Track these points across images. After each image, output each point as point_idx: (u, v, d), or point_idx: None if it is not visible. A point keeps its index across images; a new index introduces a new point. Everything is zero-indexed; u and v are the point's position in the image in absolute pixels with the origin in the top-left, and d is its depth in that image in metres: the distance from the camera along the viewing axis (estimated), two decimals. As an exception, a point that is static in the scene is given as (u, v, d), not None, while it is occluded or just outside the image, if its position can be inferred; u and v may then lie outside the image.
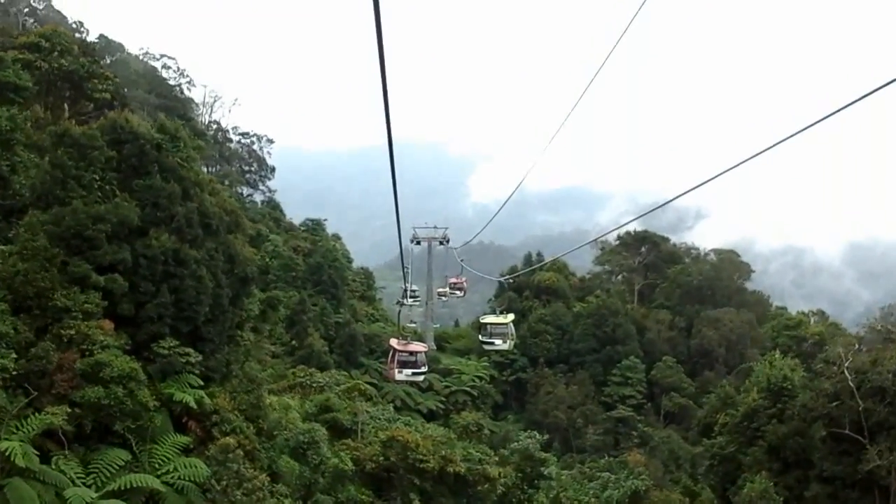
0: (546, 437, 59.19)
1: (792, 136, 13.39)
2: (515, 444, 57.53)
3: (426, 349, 50.15)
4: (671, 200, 19.93)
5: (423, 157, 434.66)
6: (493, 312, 63.47)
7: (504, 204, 45.85)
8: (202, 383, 39.13)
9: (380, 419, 59.77)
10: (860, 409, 42.04)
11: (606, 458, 66.15)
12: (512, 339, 51.12)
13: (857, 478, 42.52)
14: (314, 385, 61.92)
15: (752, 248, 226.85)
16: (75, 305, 35.88)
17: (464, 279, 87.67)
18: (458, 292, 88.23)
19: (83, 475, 33.41)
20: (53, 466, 32.56)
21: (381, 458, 49.82)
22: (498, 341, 49.16)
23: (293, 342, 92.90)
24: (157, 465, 35.93)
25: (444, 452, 51.34)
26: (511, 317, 53.25)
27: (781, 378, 49.23)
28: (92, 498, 31.93)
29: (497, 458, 55.30)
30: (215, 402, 39.01)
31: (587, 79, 21.40)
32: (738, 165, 15.11)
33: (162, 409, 37.30)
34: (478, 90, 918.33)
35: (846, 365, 43.48)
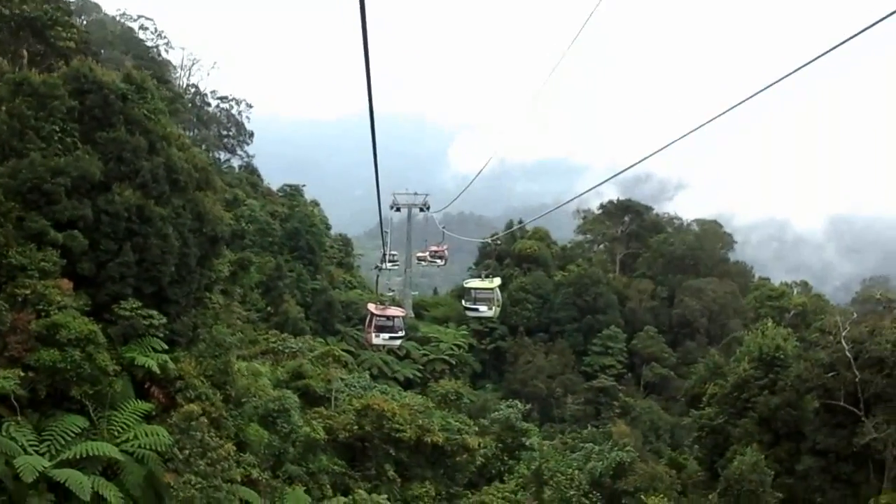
0: (526, 406, 56.97)
1: (759, 91, 13.22)
2: (496, 413, 55.65)
3: (404, 314, 50.46)
4: (642, 160, 19.13)
5: (403, 127, 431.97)
6: (478, 277, 60.34)
7: (480, 172, 46.13)
8: (166, 347, 37.14)
9: (355, 387, 57.77)
10: (857, 380, 40.38)
11: (589, 428, 64.31)
12: (498, 306, 46.63)
13: (850, 451, 40.95)
14: (286, 351, 59.73)
15: (733, 220, 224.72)
16: (31, 263, 33.83)
17: (445, 247, 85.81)
18: (438, 261, 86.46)
19: (36, 443, 31.48)
20: (4, 433, 30.69)
21: (356, 428, 47.82)
22: (483, 308, 45.33)
23: (268, 308, 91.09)
24: (116, 433, 33.95)
25: (421, 422, 49.35)
26: (497, 281, 48.57)
27: (774, 347, 47.37)
28: (44, 467, 29.96)
29: (476, 428, 53.29)
30: (180, 367, 37.01)
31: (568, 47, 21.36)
32: (702, 126, 15.01)
33: (123, 373, 35.28)
34: (457, 58, 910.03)
35: (843, 334, 41.74)
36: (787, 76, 12.36)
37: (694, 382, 57.73)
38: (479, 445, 50.80)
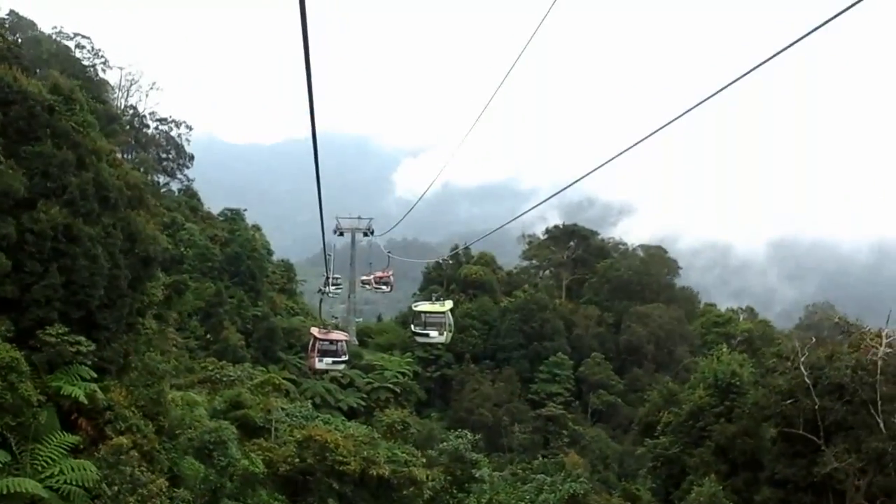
0: (476, 437, 54.78)
1: (686, 112, 13.59)
2: (444, 444, 53.40)
3: (347, 338, 51.34)
4: (584, 177, 19.17)
5: (346, 151, 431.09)
6: (428, 300, 54.63)
7: (423, 195, 44.30)
8: (95, 376, 34.60)
9: (296, 416, 55.25)
10: (816, 407, 38.92)
11: (540, 458, 62.67)
12: (450, 331, 44.50)
13: (810, 481, 39.46)
14: (224, 380, 57.18)
15: (677, 243, 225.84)
16: (-53, 286, 31.40)
17: (390, 272, 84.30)
18: (384, 287, 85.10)
19: (-49, 480, 28.94)
20: (-85, 470, 28.13)
21: (297, 460, 44.80)
22: (433, 333, 43.50)
23: (208, 335, 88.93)
24: (40, 468, 31.37)
25: (366, 453, 46.43)
26: (449, 304, 46.52)
27: (730, 374, 45.98)
28: (-42, 506, 27.56)
29: (424, 460, 50.92)
30: (109, 397, 34.56)
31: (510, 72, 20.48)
32: (638, 143, 15.19)
33: (48, 404, 32.65)
34: (401, 83, 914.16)
35: (801, 360, 40.38)
36: (718, 91, 12.57)
37: (647, 410, 56.00)
38: (427, 478, 48.24)
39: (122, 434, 33.67)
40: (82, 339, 34.05)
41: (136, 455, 31.84)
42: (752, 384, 45.29)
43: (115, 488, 31.04)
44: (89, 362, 34.27)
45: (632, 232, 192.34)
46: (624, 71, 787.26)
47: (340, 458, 45.16)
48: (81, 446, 33.27)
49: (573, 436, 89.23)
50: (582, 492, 46.59)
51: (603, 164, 16.70)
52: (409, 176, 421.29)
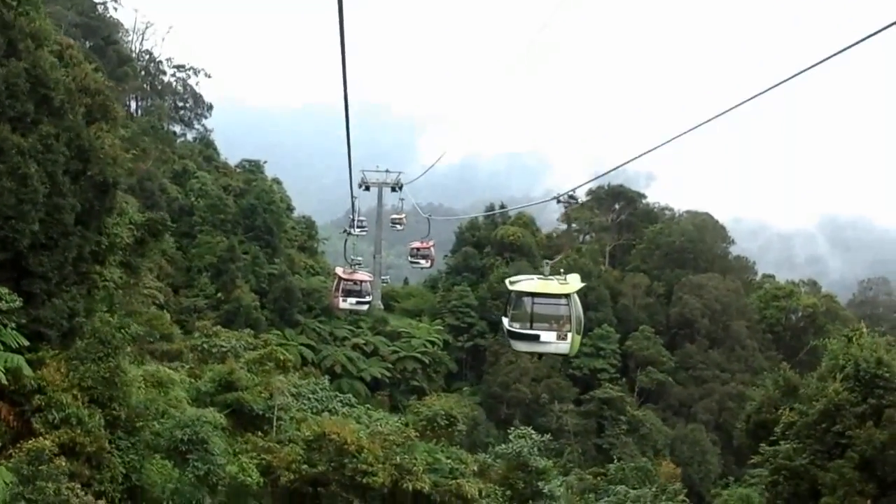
0: (542, 437, 43.18)
1: (741, 103, 13.79)
2: (501, 447, 42.02)
3: (371, 278, 52.20)
4: (629, 162, 18.91)
5: (370, 117, 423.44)
6: (536, 271, 31.33)
7: (442, 155, 33.64)
8: (25, 343, 24.86)
9: (309, 399, 44.67)
10: None
11: (616, 462, 52.07)
12: (578, 333, 24.85)
13: None
14: (214, 350, 46.89)
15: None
16: None
17: (431, 243, 74.29)
18: (422, 261, 75.59)
19: None
20: None
21: (305, 466, 33.50)
22: (549, 336, 24.70)
23: (219, 294, 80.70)
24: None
25: (398, 459, 34.86)
26: (576, 280, 25.84)
27: (874, 362, 35.41)
28: None
29: (476, 467, 39.53)
30: (40, 375, 24.67)
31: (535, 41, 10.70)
32: (684, 134, 15.82)
33: (-51, 382, 22.89)
34: (426, 48, 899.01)
35: None
36: (771, 88, 12.85)
37: (759, 404, 44.72)
38: (479, 494, 37.00)
39: (56, 427, 23.74)
40: (4, 290, 24.15)
41: (63, 464, 21.71)
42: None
43: (32, 512, 21.02)
44: (14, 324, 24.39)
45: (661, 199, 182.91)
46: (648, 41, 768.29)
47: (364, 465, 33.30)
48: (-1, 444, 23.53)
49: (631, 422, 79.31)
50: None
51: (658, 147, 17.28)
52: (434, 143, 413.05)
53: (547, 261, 27.21)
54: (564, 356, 32.61)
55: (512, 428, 44.82)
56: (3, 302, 24.02)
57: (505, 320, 25.57)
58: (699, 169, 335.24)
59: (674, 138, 16.49)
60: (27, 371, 24.26)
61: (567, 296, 24.53)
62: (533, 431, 42.55)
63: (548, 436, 45.12)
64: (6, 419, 24.18)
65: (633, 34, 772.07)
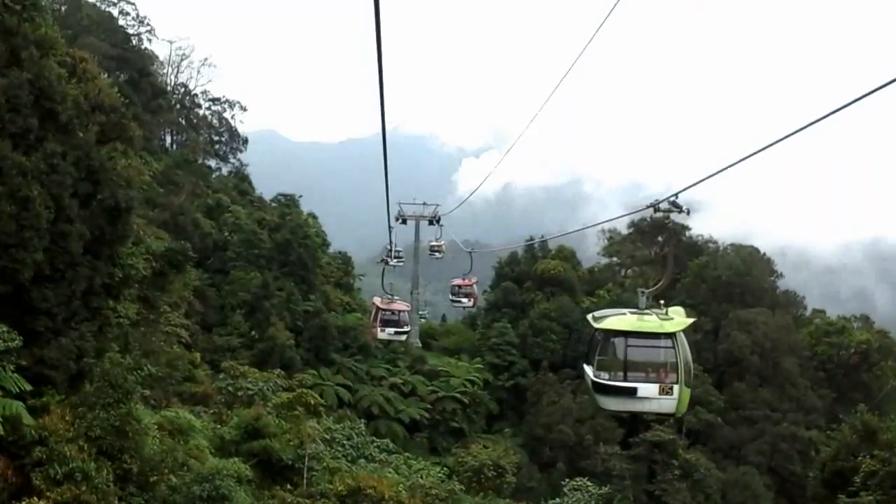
0: (599, 488, 39.57)
1: (792, 134, 13.15)
2: (556, 501, 38.62)
3: (408, 308, 51.51)
4: (684, 190, 18.33)
5: (406, 151, 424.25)
6: (626, 305, 27.34)
7: (480, 185, 31.48)
8: (28, 387, 22.18)
9: (343, 445, 41.67)
10: None
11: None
12: (686, 386, 20.61)
13: None
14: (239, 393, 43.93)
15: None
16: None
17: (474, 280, 71.85)
18: (464, 299, 73.09)
19: None
20: None
21: None
22: (648, 388, 20.08)
23: (252, 332, 78.92)
24: None
25: None
26: (680, 317, 21.59)
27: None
28: None
29: None
30: (42, 423, 21.94)
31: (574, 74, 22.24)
32: (732, 165, 15.11)
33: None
34: (461, 81, 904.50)
35: None
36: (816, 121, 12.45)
37: (835, 451, 41.10)
38: None
39: (59, 483, 20.98)
40: (3, 328, 21.52)
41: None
42: None
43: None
44: (13, 366, 21.75)
45: (702, 230, 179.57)
46: (683, 73, 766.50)
47: (404, 524, 30.38)
48: (-5, 501, 20.77)
49: (685, 467, 75.76)
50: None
51: (713, 175, 16.19)
52: (471, 176, 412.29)
53: (642, 290, 21.29)
54: (670, 416, 22.14)
55: (560, 475, 41.94)
56: (2, 342, 21.36)
57: (588, 369, 20.44)
58: (741, 196, 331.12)
59: (727, 167, 15.23)
60: (27, 419, 21.53)
61: (672, 335, 20.05)
62: (589, 483, 39.37)
63: (595, 481, 42.10)
64: (4, 474, 21.45)
65: (664, 65, 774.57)
